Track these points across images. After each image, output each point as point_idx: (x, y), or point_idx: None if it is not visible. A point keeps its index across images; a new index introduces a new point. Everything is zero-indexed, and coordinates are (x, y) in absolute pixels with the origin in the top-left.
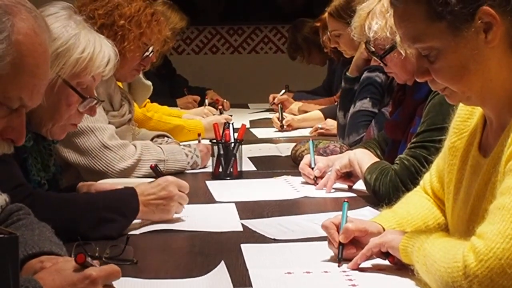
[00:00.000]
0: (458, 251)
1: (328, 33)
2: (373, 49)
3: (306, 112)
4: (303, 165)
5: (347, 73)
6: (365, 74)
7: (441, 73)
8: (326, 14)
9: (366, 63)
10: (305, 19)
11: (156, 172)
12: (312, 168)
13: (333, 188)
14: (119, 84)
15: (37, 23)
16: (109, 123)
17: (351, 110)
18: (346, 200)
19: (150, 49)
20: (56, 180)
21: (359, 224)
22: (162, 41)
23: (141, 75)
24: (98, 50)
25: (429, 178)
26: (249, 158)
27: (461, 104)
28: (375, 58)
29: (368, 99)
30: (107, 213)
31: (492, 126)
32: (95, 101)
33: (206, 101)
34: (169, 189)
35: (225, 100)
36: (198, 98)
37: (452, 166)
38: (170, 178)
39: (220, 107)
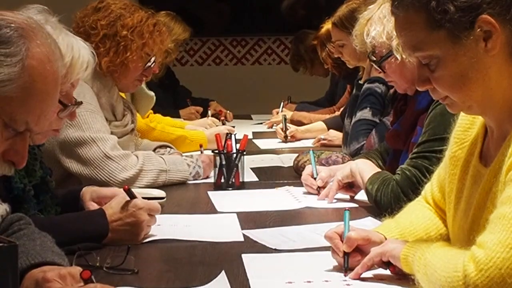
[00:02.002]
0: (458, 261)
1: (327, 48)
2: (374, 58)
3: (300, 122)
4: (305, 175)
5: (359, 81)
6: (366, 85)
7: (441, 81)
8: (328, 26)
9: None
10: (308, 31)
11: (128, 195)
12: (315, 178)
13: (335, 199)
14: (122, 94)
15: (51, 50)
16: (112, 133)
17: (353, 120)
18: (347, 209)
19: (152, 59)
20: (46, 183)
21: (362, 233)
22: (164, 52)
23: (144, 86)
24: (77, 56)
25: (430, 188)
26: (252, 168)
27: (462, 114)
28: (375, 67)
29: (368, 108)
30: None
31: (493, 135)
32: (75, 107)
33: (209, 112)
34: (138, 216)
35: (228, 111)
36: (201, 109)
37: (453, 176)
38: (140, 203)
39: (222, 118)
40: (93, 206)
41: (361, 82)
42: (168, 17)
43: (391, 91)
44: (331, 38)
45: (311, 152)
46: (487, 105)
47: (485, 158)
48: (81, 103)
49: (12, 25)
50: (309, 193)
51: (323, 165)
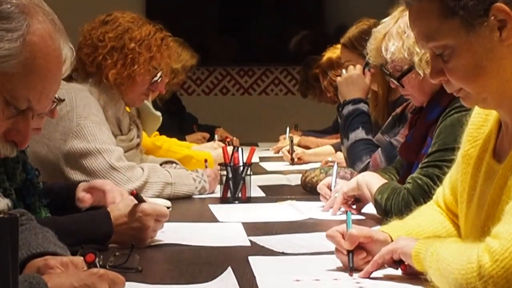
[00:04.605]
0: (472, 252)
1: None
2: (390, 71)
3: (307, 146)
4: (321, 185)
5: (339, 108)
6: (351, 107)
7: (455, 72)
8: (329, 54)
9: None
10: (317, 57)
11: (137, 199)
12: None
13: (339, 210)
14: (127, 109)
15: (53, 27)
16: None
17: (346, 143)
18: (349, 210)
19: (159, 74)
20: (33, 185)
21: (364, 230)
22: (171, 72)
23: (150, 106)
24: None
25: (442, 191)
26: (259, 186)
27: (475, 112)
28: (392, 80)
29: (360, 128)
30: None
31: (508, 130)
32: (56, 103)
33: (216, 137)
34: (144, 221)
35: (234, 138)
36: (207, 135)
37: (466, 174)
38: (147, 209)
39: (228, 139)
40: (84, 196)
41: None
42: (176, 43)
43: (398, 110)
44: (332, 66)
45: (335, 164)
46: (503, 97)
47: (499, 154)
48: (63, 100)
49: (14, 1)
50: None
51: None
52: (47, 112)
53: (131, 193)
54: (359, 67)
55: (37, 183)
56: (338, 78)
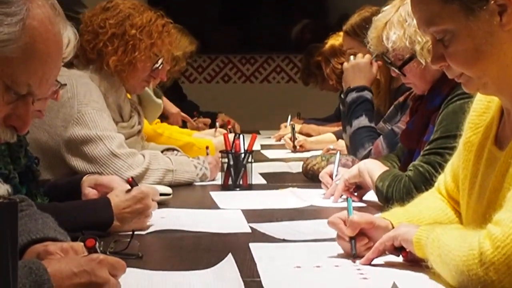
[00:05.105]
0: (474, 239)
1: (331, 64)
2: (391, 60)
3: (309, 134)
4: (323, 173)
5: (341, 95)
6: (355, 94)
7: (455, 57)
8: (332, 41)
9: None
10: (319, 45)
11: (132, 186)
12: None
13: (340, 198)
14: (129, 96)
15: (53, 12)
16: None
17: (349, 130)
18: (350, 196)
19: (160, 60)
20: (32, 172)
21: (365, 216)
22: (173, 60)
23: (151, 93)
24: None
25: (443, 179)
26: (260, 173)
27: (477, 98)
28: (393, 68)
29: (363, 116)
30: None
31: (510, 117)
32: (59, 85)
33: (217, 124)
34: (145, 201)
35: (235, 123)
36: (208, 121)
37: (467, 161)
38: (145, 190)
39: (230, 127)
40: (90, 192)
41: (343, 96)
42: (175, 29)
43: (401, 99)
44: (335, 54)
45: (337, 153)
46: (503, 82)
47: (501, 141)
48: (65, 85)
49: None
50: (313, 193)
51: None
52: (50, 95)
53: (127, 181)
54: (368, 56)
55: (36, 171)
56: (345, 64)
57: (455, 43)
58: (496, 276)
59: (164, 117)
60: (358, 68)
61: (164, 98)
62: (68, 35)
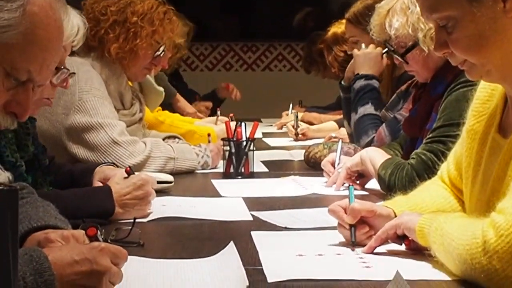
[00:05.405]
0: (477, 228)
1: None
2: (394, 48)
3: (310, 122)
4: (325, 162)
5: (342, 83)
6: (363, 82)
7: (458, 43)
8: (334, 29)
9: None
10: (321, 33)
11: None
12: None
13: (342, 186)
14: (130, 83)
15: None
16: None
17: (354, 117)
18: (351, 184)
19: (162, 48)
20: (38, 160)
21: (366, 204)
22: (174, 47)
23: (153, 81)
24: (67, 20)
25: (446, 167)
26: (262, 161)
27: (480, 86)
28: (396, 56)
29: (370, 104)
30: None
31: None
32: (68, 73)
33: (218, 112)
34: (146, 188)
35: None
36: (210, 104)
37: (471, 149)
38: (145, 176)
39: (231, 115)
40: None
41: (343, 83)
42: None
43: (403, 87)
44: (338, 42)
45: (339, 141)
46: (507, 70)
47: (504, 129)
48: (74, 73)
49: None
50: (315, 182)
51: None
52: (59, 83)
53: (125, 170)
54: (380, 48)
55: (43, 159)
56: (355, 50)
57: (458, 30)
58: (499, 264)
59: (167, 105)
60: (369, 57)
61: (181, 98)
62: (78, 23)
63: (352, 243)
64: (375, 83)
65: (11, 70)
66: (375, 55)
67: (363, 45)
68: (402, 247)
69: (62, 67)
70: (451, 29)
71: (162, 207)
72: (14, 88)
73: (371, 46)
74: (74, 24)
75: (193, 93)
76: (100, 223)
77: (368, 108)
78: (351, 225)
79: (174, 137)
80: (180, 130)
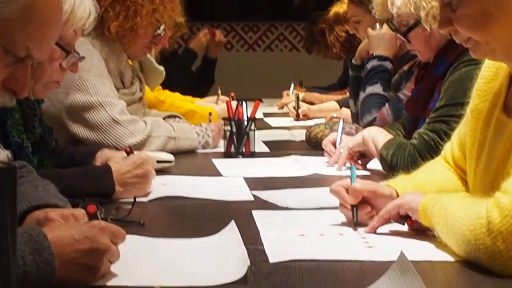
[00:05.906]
0: (481, 208)
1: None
2: (396, 26)
3: (311, 102)
4: (326, 141)
5: (353, 61)
6: (376, 62)
7: (463, 20)
8: (336, 9)
9: (368, 54)
10: (322, 13)
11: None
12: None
13: (344, 166)
14: (130, 62)
15: None
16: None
17: (361, 95)
18: (353, 164)
19: (162, 27)
20: (44, 142)
21: (368, 184)
22: (175, 26)
23: (153, 60)
24: (79, 3)
25: (450, 147)
26: (263, 141)
27: (485, 65)
28: (398, 35)
29: (379, 84)
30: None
31: None
32: (78, 57)
33: (219, 92)
34: (146, 167)
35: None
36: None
37: (475, 129)
38: (145, 155)
39: (232, 94)
40: None
41: (354, 62)
42: None
43: (405, 67)
44: (339, 21)
45: (340, 120)
46: None
47: (509, 109)
48: (83, 58)
49: None
50: (317, 161)
51: None
52: (69, 66)
53: (125, 150)
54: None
55: (49, 141)
56: (370, 30)
57: (463, 7)
58: (504, 245)
59: (166, 85)
60: (384, 39)
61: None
62: (89, 7)
63: (354, 223)
64: (388, 64)
65: (10, 47)
66: (389, 36)
67: (377, 25)
68: (405, 227)
69: (73, 50)
70: (455, 6)
71: (162, 187)
72: (13, 65)
73: (385, 26)
74: (86, 7)
75: (193, 74)
76: (100, 202)
77: (376, 88)
78: (353, 205)
79: (175, 116)
80: (180, 110)
